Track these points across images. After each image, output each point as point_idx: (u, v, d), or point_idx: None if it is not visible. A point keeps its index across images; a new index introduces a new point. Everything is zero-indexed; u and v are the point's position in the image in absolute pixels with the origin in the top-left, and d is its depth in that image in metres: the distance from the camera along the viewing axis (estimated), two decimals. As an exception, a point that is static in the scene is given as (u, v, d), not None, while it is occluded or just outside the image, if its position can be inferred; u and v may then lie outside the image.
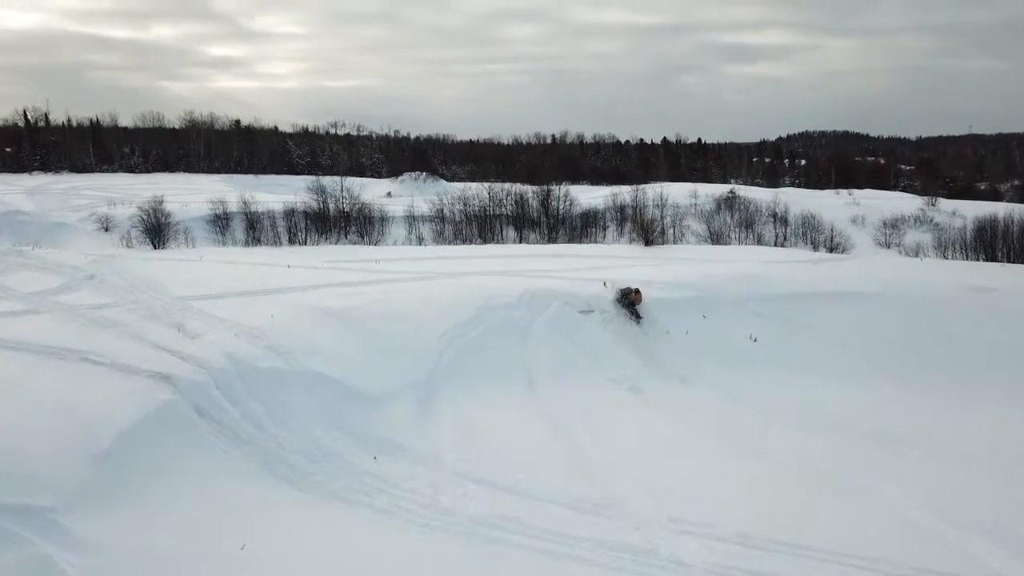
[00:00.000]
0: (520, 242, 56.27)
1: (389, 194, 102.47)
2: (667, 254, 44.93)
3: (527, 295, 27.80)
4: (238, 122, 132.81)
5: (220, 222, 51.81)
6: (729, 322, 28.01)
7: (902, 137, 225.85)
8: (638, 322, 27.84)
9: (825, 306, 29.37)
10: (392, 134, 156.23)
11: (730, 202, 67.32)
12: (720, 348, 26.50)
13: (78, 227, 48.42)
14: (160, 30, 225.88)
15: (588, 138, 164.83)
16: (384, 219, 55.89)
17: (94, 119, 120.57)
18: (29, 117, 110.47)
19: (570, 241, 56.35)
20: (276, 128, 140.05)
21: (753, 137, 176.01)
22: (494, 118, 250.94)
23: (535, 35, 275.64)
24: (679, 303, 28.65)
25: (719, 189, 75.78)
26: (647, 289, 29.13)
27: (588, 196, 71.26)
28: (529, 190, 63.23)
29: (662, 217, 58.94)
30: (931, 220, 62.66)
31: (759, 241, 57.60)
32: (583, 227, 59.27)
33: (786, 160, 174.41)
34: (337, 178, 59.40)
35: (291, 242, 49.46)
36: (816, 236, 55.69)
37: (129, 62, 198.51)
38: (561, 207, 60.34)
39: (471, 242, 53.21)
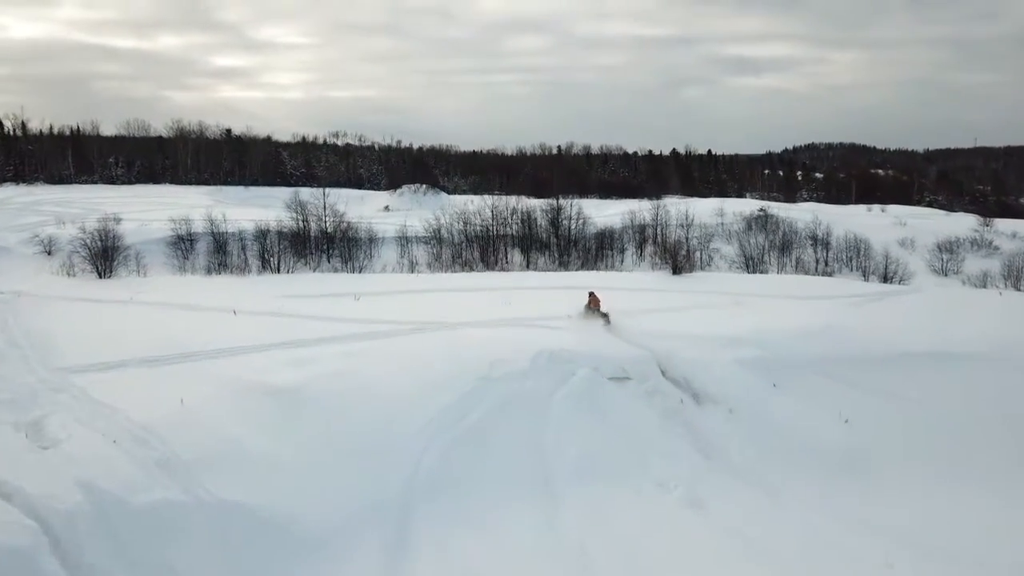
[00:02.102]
0: (528, 267, 49.54)
1: (387, 208, 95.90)
2: (701, 285, 38.18)
3: (543, 357, 21.00)
4: (229, 131, 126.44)
5: (183, 244, 45.10)
6: (810, 394, 21.20)
7: (909, 150, 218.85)
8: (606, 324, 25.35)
9: (928, 370, 22.62)
10: (394, 144, 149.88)
11: (762, 221, 60.44)
12: (803, 434, 19.68)
13: (17, 250, 41.92)
14: (166, 40, 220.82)
15: (595, 149, 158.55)
16: (373, 240, 49.14)
17: (75, 127, 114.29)
18: (4, 124, 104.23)
19: (583, 266, 49.58)
20: (269, 138, 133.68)
21: (758, 149, 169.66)
22: (497, 129, 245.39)
23: (539, 47, 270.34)
24: (741, 367, 21.85)
25: (747, 206, 68.90)
26: (698, 348, 22.42)
27: (603, 213, 64.53)
28: (537, 207, 56.48)
29: (687, 239, 52.10)
30: (990, 243, 55.79)
31: (798, 266, 50.76)
32: (598, 249, 52.48)
33: (799, 173, 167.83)
34: (322, 190, 52.56)
35: (264, 267, 42.75)
36: (865, 263, 48.86)
37: (135, 72, 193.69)
38: (573, 227, 53.56)
39: (472, 267, 46.47)
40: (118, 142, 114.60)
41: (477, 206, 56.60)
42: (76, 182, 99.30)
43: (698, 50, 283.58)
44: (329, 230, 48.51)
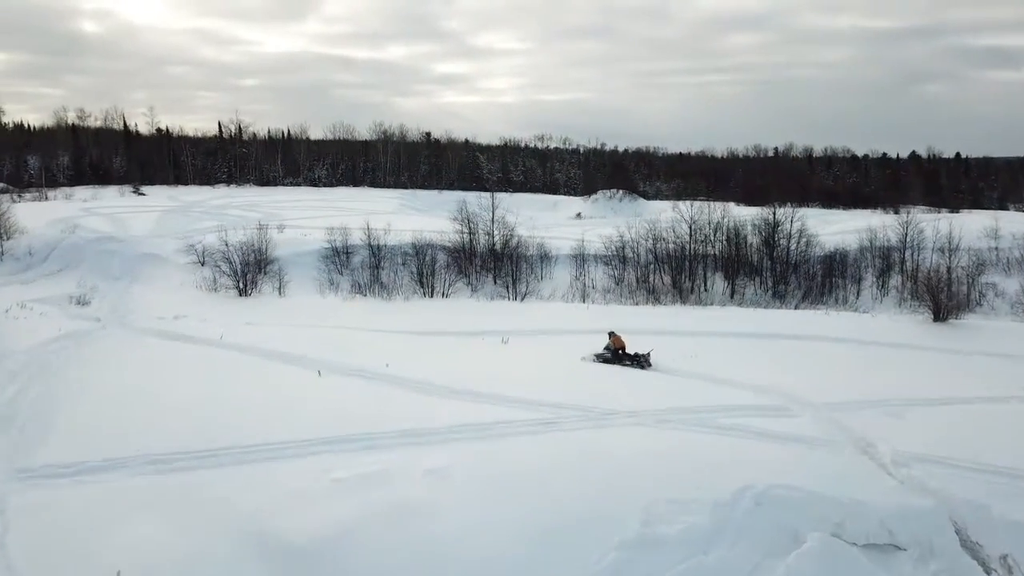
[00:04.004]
0: (732, 297, 40.12)
1: (579, 215, 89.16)
2: (979, 341, 27.29)
3: (743, 502, 12.55)
4: (428, 135, 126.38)
5: (338, 258, 40.97)
6: None
7: None
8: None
9: None
10: (599, 146, 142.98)
11: (1058, 246, 45.74)
12: None
13: (171, 259, 40.06)
14: (394, 50, 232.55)
15: (817, 152, 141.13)
16: (545, 258, 42.24)
17: (285, 132, 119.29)
18: (223, 129, 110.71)
19: (804, 299, 39.25)
20: (467, 141, 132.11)
21: (1015, 151, 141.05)
22: (707, 131, 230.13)
23: (757, 44, 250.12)
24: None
25: (1025, 223, 53.46)
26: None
27: (830, 229, 52.78)
28: (748, 222, 46.55)
29: (950, 270, 39.76)
30: None
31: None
32: (825, 278, 41.68)
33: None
34: (491, 196, 46.56)
35: (422, 287, 37.26)
36: None
37: (367, 80, 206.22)
38: (794, 246, 43.15)
39: (659, 298, 37.94)
40: (325, 145, 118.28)
41: (672, 218, 48.00)
42: (282, 184, 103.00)
43: (940, 42, 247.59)
44: (496, 246, 42.32)
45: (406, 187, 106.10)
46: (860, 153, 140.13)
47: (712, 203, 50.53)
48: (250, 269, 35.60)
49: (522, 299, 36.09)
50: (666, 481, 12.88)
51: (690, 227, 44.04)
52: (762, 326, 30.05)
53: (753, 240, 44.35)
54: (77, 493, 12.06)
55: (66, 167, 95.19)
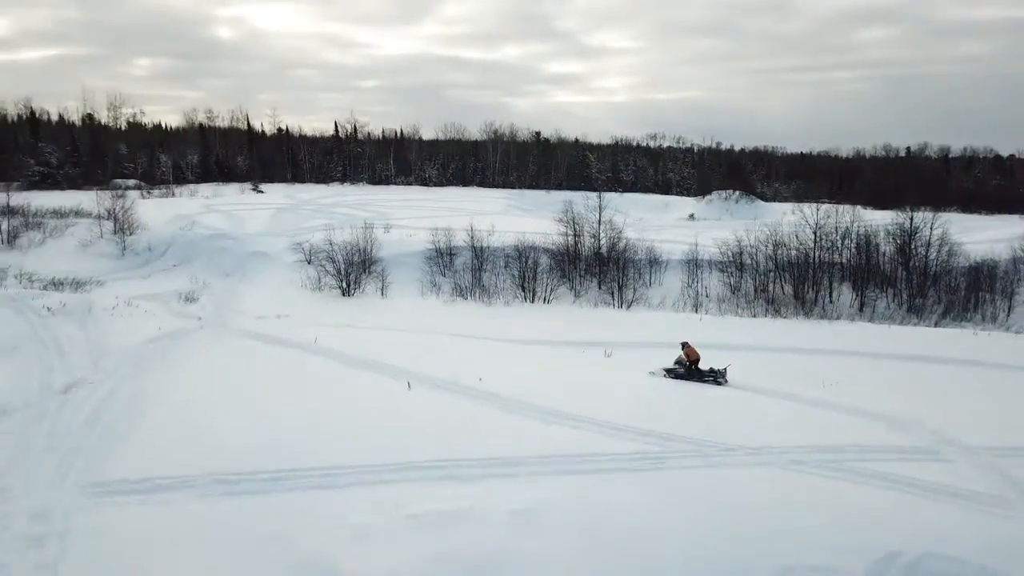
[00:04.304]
0: (861, 310, 36.62)
1: (691, 216, 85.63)
2: None
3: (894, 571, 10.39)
4: (538, 134, 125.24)
5: (441, 259, 40.20)
6: None
7: None
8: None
9: None
10: (714, 146, 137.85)
11: None
12: None
13: (278, 258, 40.46)
14: (508, 50, 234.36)
15: (955, 151, 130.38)
16: (655, 263, 39.99)
17: (398, 132, 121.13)
18: (339, 129, 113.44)
19: (945, 315, 35.22)
20: (577, 140, 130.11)
21: None
22: (830, 130, 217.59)
23: (887, 38, 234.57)
24: None
25: None
26: None
27: (979, 237, 47.70)
28: (880, 228, 42.62)
29: None
30: None
31: None
32: (969, 291, 37.36)
33: None
34: (598, 196, 44.68)
35: (524, 291, 35.86)
36: None
37: (480, 80, 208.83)
38: (934, 256, 39.00)
39: (780, 310, 34.97)
40: (436, 145, 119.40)
41: (794, 222, 44.60)
42: (393, 183, 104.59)
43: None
44: (602, 249, 40.42)
45: (514, 187, 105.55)
46: (1005, 153, 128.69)
47: (840, 206, 46.58)
48: (354, 269, 35.33)
49: (628, 307, 34.06)
50: (802, 542, 10.83)
51: (815, 232, 40.60)
52: (898, 345, 26.89)
53: (886, 248, 40.42)
54: (140, 515, 11.28)
55: (194, 165, 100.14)
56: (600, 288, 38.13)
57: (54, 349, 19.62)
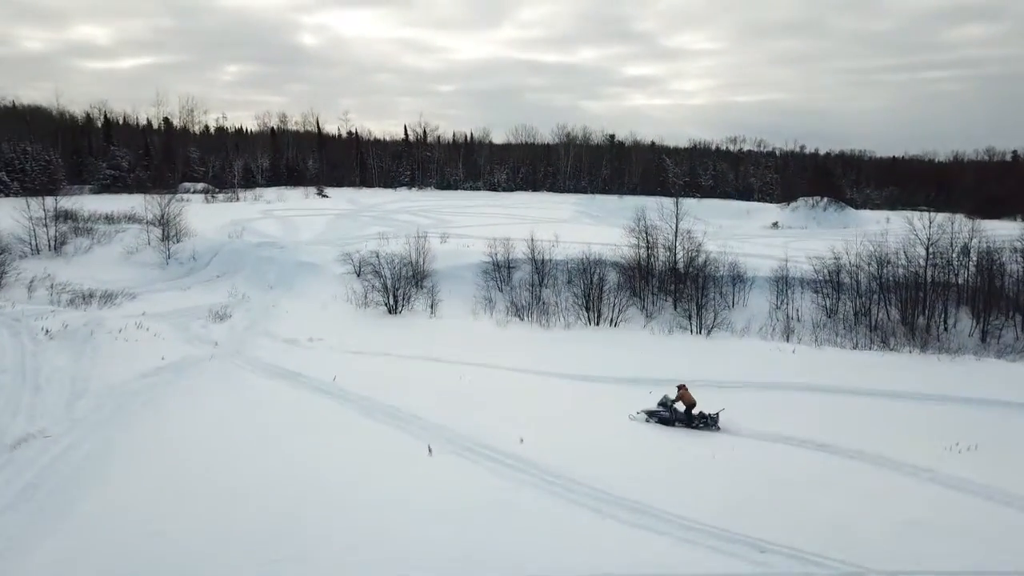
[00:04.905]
0: (983, 341, 31.25)
1: (775, 224, 79.61)
2: None
3: None
4: (612, 137, 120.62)
5: (498, 273, 36.64)
6: None
7: None
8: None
9: None
10: (798, 149, 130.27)
11: None
12: None
13: (328, 269, 37.64)
14: (585, 53, 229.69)
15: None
16: (738, 280, 35.42)
17: (468, 135, 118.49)
18: (410, 133, 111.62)
19: (1093, 350, 29.47)
20: (653, 143, 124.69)
21: None
22: (926, 132, 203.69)
23: (987, 36, 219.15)
24: None
25: None
26: None
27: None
28: (1006, 244, 36.89)
29: None
30: None
31: None
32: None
33: None
34: (689, 201, 40.35)
35: (587, 312, 31.93)
36: None
37: (555, 84, 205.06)
38: (1074, 279, 33.14)
39: (887, 339, 29.88)
40: (507, 149, 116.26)
41: (897, 232, 39.19)
42: (461, 188, 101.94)
43: None
44: (679, 264, 36.06)
45: (586, 192, 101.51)
46: None
47: (955, 216, 40.82)
48: (401, 284, 32.13)
49: (708, 333, 29.66)
50: None
51: (927, 248, 35.19)
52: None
53: (1016, 268, 34.66)
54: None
55: (265, 169, 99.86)
56: (675, 309, 33.87)
57: (31, 386, 16.94)
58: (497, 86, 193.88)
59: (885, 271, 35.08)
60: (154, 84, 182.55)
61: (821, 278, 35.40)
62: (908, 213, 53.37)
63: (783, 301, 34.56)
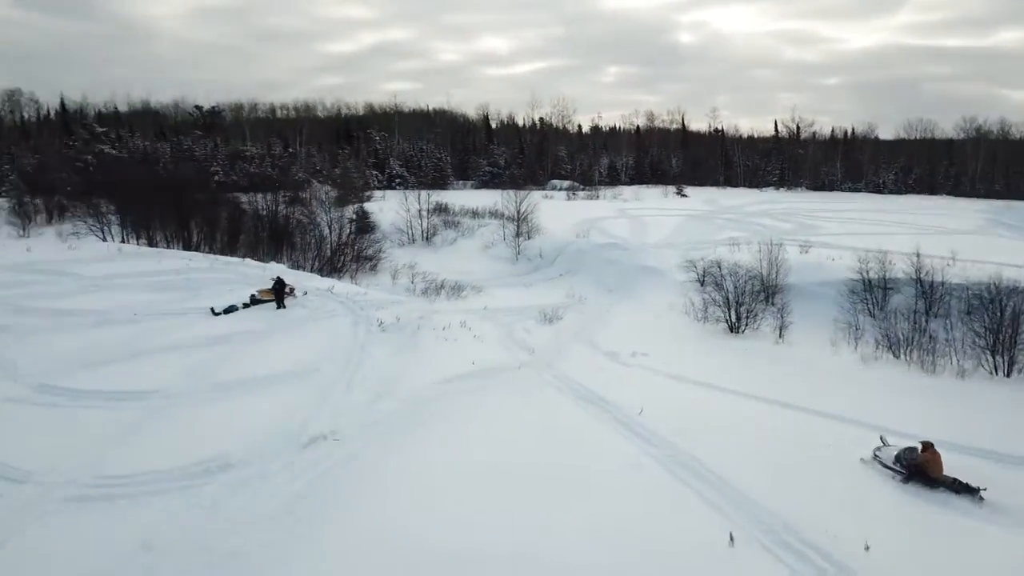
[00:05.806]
0: None
1: None
2: None
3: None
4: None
5: (871, 295, 30.37)
6: None
7: None
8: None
9: None
10: None
11: None
12: None
13: (669, 275, 34.69)
14: (1003, 35, 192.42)
15: None
16: None
17: (848, 131, 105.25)
18: (780, 129, 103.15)
19: None
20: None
21: None
22: None
23: None
24: None
25: None
26: None
27: None
28: None
29: None
30: None
31: None
32: None
33: None
34: None
35: (993, 357, 24.60)
36: None
37: (963, 71, 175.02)
38: None
39: None
40: (896, 146, 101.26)
41: None
42: (838, 189, 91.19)
43: None
44: None
45: (1000, 197, 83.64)
46: None
47: None
48: (747, 299, 28.17)
49: None
50: None
51: None
52: None
53: None
54: None
55: (629, 167, 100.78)
56: None
57: (347, 379, 17.23)
58: (889, 76, 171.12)
59: None
60: (543, 88, 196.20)
61: None
62: None
63: None
